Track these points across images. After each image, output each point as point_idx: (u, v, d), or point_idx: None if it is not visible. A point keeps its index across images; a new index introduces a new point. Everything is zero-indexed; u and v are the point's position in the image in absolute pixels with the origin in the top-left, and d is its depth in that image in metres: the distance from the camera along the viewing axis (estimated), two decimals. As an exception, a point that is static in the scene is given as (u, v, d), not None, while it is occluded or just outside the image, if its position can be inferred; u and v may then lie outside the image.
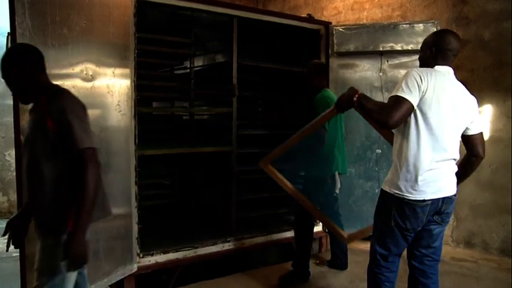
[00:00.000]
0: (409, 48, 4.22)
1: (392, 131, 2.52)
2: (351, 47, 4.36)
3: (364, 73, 4.41)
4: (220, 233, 4.21)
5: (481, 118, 2.58)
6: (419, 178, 2.32)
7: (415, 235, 2.48)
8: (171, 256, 3.69)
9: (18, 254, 4.20)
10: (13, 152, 5.73)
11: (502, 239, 4.41)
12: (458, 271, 4.02)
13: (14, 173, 5.96)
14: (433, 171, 2.35)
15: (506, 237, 4.37)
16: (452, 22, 4.67)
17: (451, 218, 4.66)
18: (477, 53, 4.53)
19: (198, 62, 4.94)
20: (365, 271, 3.54)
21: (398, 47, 4.25)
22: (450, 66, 2.46)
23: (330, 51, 4.47)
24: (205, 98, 5.12)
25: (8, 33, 2.26)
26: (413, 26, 4.24)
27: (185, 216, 4.90)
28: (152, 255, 3.57)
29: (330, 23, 4.61)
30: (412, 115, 2.31)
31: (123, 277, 3.27)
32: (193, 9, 3.78)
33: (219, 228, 4.33)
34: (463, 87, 2.48)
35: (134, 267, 3.37)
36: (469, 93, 2.50)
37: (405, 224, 2.39)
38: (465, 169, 2.61)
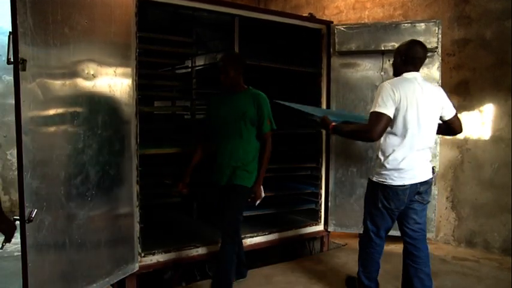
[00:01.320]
0: None
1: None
2: (353, 46, 4.35)
3: (366, 72, 4.41)
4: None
5: (450, 103, 3.07)
6: (399, 167, 2.90)
7: (404, 214, 3.06)
8: (173, 255, 3.69)
9: (19, 254, 4.21)
10: (15, 151, 5.76)
11: (503, 238, 4.40)
12: (459, 270, 4.02)
13: (16, 172, 5.98)
14: (410, 162, 2.91)
15: (507, 236, 4.36)
16: (453, 21, 4.67)
17: (452, 217, 4.69)
18: (479, 52, 4.52)
19: (200, 62, 4.94)
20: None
21: (399, 46, 4.24)
22: (417, 71, 3.00)
23: (331, 50, 4.46)
24: (206, 97, 5.11)
25: (10, 32, 2.26)
26: (414, 25, 4.23)
27: (187, 215, 4.90)
28: (153, 254, 3.57)
29: (332, 22, 4.61)
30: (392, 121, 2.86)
31: (124, 276, 3.28)
32: (194, 8, 3.78)
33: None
34: (429, 84, 3.04)
35: (136, 267, 3.38)
36: (435, 86, 3.12)
37: (390, 205, 2.99)
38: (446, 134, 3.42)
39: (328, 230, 4.61)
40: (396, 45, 4.16)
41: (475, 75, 4.56)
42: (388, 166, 2.93)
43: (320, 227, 4.61)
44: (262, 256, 4.39)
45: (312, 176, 4.74)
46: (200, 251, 3.84)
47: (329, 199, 4.55)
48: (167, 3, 3.61)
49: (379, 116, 2.80)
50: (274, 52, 5.26)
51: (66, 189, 2.68)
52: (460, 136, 4.65)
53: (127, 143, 3.25)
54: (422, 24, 4.22)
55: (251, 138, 3.39)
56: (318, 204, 4.62)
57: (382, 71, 4.33)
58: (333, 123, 3.22)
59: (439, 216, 4.77)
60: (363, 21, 5.47)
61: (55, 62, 2.56)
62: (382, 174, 2.96)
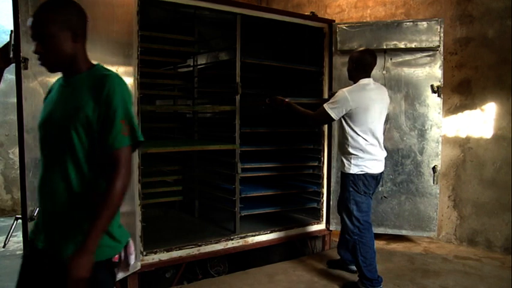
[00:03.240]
0: (413, 46, 4.21)
1: (338, 132, 3.74)
2: (355, 45, 4.34)
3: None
4: (224, 230, 4.22)
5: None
6: (373, 158, 3.46)
7: None
8: (174, 254, 3.69)
9: (21, 252, 4.22)
10: (17, 150, 5.77)
11: (505, 237, 4.39)
12: (461, 269, 4.01)
13: (18, 171, 6.00)
14: (375, 154, 3.48)
15: (509, 235, 4.35)
16: (456, 20, 4.66)
17: (454, 216, 4.69)
18: (481, 51, 4.51)
19: (202, 60, 4.95)
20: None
21: (401, 45, 4.24)
22: (369, 77, 3.52)
23: (333, 49, 4.45)
24: (208, 96, 5.13)
25: (11, 31, 2.25)
26: (416, 24, 4.22)
27: (188, 214, 4.91)
28: (155, 253, 3.57)
29: (334, 20, 4.60)
30: (350, 121, 3.43)
31: (127, 275, 3.28)
32: (196, 7, 3.77)
33: (223, 226, 4.34)
34: (379, 86, 3.64)
35: (138, 265, 3.38)
36: (383, 87, 3.69)
37: (369, 189, 3.49)
38: None
39: (330, 228, 4.61)
40: (398, 44, 4.22)
41: (477, 74, 4.55)
42: (364, 158, 3.46)
43: (322, 226, 4.61)
44: (264, 255, 4.39)
45: (314, 175, 4.74)
46: (202, 249, 3.84)
47: (331, 198, 4.55)
48: (169, 1, 3.61)
49: (324, 113, 3.44)
50: (276, 51, 5.27)
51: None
52: (462, 135, 4.65)
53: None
54: (424, 22, 4.22)
55: (89, 160, 1.70)
56: (320, 203, 4.62)
57: (384, 69, 4.32)
58: (287, 100, 3.74)
59: (440, 215, 4.77)
60: (364, 20, 5.46)
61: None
62: (361, 165, 3.46)
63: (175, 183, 4.89)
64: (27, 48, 2.30)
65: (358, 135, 3.43)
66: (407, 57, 4.30)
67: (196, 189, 4.87)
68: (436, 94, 4.01)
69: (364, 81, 3.50)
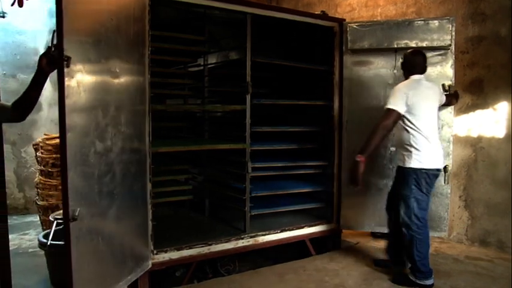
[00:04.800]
0: (424, 45, 4.15)
1: (399, 128, 3.63)
2: (365, 44, 4.33)
3: (378, 70, 4.37)
4: (234, 229, 4.22)
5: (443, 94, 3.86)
6: (434, 154, 3.54)
7: None
8: (185, 253, 3.71)
9: (34, 250, 4.27)
10: (29, 149, 5.83)
11: (518, 237, 4.36)
12: (473, 270, 3.98)
13: (30, 170, 6.05)
14: (436, 149, 3.59)
15: (522, 236, 4.32)
16: (468, 18, 4.62)
17: (465, 216, 4.66)
18: (493, 50, 4.47)
19: (212, 60, 4.95)
20: (377, 268, 3.60)
21: (413, 44, 4.19)
22: (421, 74, 3.67)
23: (344, 48, 4.43)
24: (218, 95, 5.14)
25: (54, 30, 2.25)
26: (428, 23, 4.18)
27: (199, 213, 4.92)
28: (166, 252, 3.59)
29: (344, 20, 4.59)
30: (409, 115, 3.50)
31: (141, 273, 3.30)
32: (207, 6, 3.78)
33: (233, 225, 4.34)
34: (432, 83, 3.78)
35: (149, 264, 3.40)
36: (433, 84, 3.79)
37: (430, 187, 3.56)
38: None
39: (340, 228, 4.60)
40: (409, 42, 4.19)
41: (490, 73, 4.51)
42: (426, 153, 3.53)
43: (332, 226, 4.60)
44: (274, 254, 4.40)
45: (324, 174, 4.72)
46: (212, 248, 3.85)
47: (341, 198, 4.54)
48: (180, 1, 3.62)
49: (389, 111, 3.53)
50: (287, 50, 5.26)
51: (99, 187, 2.69)
52: (473, 134, 4.62)
53: (142, 140, 3.27)
54: (436, 21, 4.18)
55: None
56: (331, 202, 4.61)
57: (394, 69, 4.29)
58: (359, 156, 3.59)
59: (452, 215, 4.73)
60: (375, 19, 5.44)
61: (93, 58, 2.59)
62: (423, 161, 3.51)
63: (186, 183, 4.91)
64: (69, 47, 2.31)
65: (418, 129, 3.50)
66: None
67: (207, 188, 4.88)
68: (448, 93, 3.97)
69: (415, 76, 3.64)
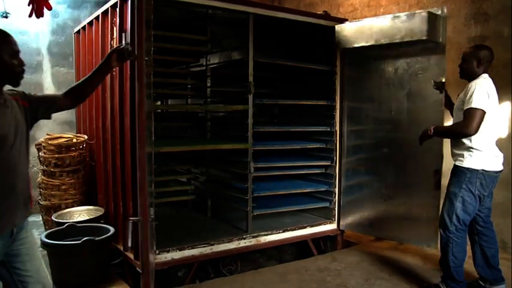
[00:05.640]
0: (414, 40, 3.82)
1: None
2: (362, 43, 4.24)
3: (376, 69, 4.35)
4: (236, 229, 4.22)
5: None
6: (496, 154, 3.31)
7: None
8: (187, 253, 3.71)
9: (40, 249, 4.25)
10: (32, 149, 5.82)
11: (521, 238, 4.34)
12: (474, 270, 3.97)
13: (33, 170, 6.05)
14: (497, 151, 3.33)
15: (525, 236, 4.30)
16: (470, 18, 4.61)
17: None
18: (496, 50, 4.41)
19: (214, 60, 4.96)
20: (379, 268, 3.58)
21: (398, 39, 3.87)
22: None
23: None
24: (221, 95, 5.14)
25: (124, 31, 2.52)
26: (414, 15, 3.80)
27: (201, 213, 4.92)
28: (168, 252, 3.59)
29: (346, 20, 4.58)
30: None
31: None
32: (209, 6, 3.79)
33: (235, 225, 4.34)
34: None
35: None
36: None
37: (485, 190, 3.30)
38: None
39: (342, 228, 4.60)
40: (395, 39, 3.93)
41: (492, 73, 4.43)
42: (486, 153, 3.27)
43: (334, 226, 4.60)
44: (276, 254, 4.40)
45: (326, 174, 4.73)
46: (214, 248, 3.85)
47: (342, 198, 4.53)
48: (183, 1, 3.63)
49: (474, 112, 3.15)
50: (289, 50, 5.25)
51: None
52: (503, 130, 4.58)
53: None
54: (424, 13, 3.76)
55: None
56: (332, 202, 4.61)
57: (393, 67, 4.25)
58: (432, 128, 3.41)
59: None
60: (377, 19, 5.42)
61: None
62: (482, 161, 3.26)
63: (188, 183, 4.91)
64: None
65: (489, 129, 3.24)
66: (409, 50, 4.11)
67: (209, 188, 4.88)
68: (438, 90, 3.81)
69: (486, 75, 3.37)
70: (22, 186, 2.14)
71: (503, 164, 3.39)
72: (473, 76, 3.34)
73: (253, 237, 4.09)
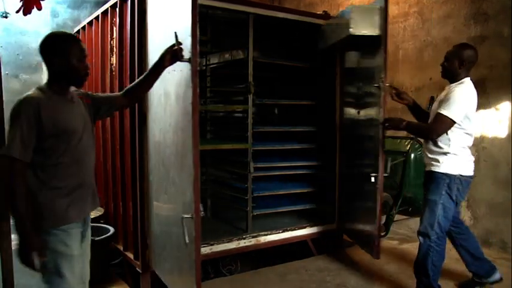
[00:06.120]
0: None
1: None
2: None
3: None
4: (236, 229, 4.22)
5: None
6: (470, 159, 3.26)
7: None
8: (187, 253, 3.71)
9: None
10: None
11: (520, 238, 4.35)
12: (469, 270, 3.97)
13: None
14: (470, 154, 3.29)
15: (525, 236, 4.31)
16: (470, 18, 4.62)
17: (467, 216, 4.65)
18: (496, 50, 4.46)
19: (214, 59, 4.96)
20: (379, 268, 3.58)
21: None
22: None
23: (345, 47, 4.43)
24: (221, 95, 5.14)
25: (175, 32, 2.48)
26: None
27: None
28: (168, 251, 3.59)
29: (346, 19, 4.58)
30: (463, 120, 3.13)
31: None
32: (210, 6, 3.78)
33: (235, 225, 4.34)
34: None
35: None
36: None
37: (462, 196, 3.30)
38: None
39: (341, 228, 4.60)
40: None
41: (492, 73, 4.50)
42: (461, 158, 3.23)
43: (334, 226, 4.59)
44: (276, 254, 4.39)
45: (326, 175, 4.72)
46: (214, 248, 3.85)
47: (342, 198, 4.53)
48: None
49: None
50: (289, 49, 5.25)
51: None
52: (475, 134, 4.60)
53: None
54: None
55: None
56: (332, 202, 4.60)
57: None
58: (405, 122, 3.42)
59: (454, 215, 4.73)
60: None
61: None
62: (458, 166, 3.21)
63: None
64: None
65: (466, 134, 3.20)
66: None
67: (209, 188, 4.88)
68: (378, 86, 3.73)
69: (468, 79, 3.24)
70: (89, 178, 2.31)
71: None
72: (455, 77, 3.25)
73: (253, 237, 4.09)
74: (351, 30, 3.65)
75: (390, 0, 5.26)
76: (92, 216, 4.19)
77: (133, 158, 3.42)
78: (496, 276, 3.52)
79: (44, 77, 5.97)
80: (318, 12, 4.64)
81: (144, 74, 2.56)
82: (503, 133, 4.44)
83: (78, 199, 2.21)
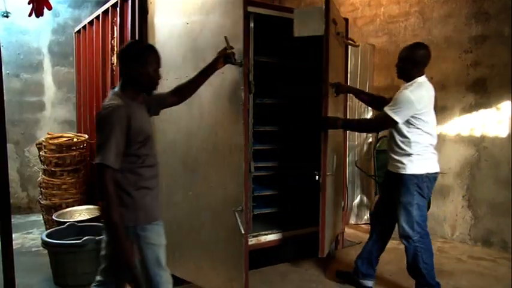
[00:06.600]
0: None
1: (391, 132, 3.26)
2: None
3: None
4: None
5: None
6: (434, 156, 3.24)
7: None
8: (187, 252, 3.70)
9: (37, 249, 4.28)
10: (32, 148, 5.84)
11: (521, 237, 4.34)
12: (476, 270, 3.98)
13: (34, 169, 6.06)
14: (434, 152, 3.28)
15: (525, 236, 4.30)
16: (471, 17, 4.61)
17: (468, 216, 4.64)
18: (497, 49, 4.46)
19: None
20: (379, 268, 3.57)
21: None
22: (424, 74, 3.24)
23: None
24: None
25: (225, 36, 2.62)
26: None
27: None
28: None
29: (347, 19, 4.58)
30: (415, 121, 3.12)
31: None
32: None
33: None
34: (429, 82, 3.28)
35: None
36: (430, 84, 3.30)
37: (430, 192, 3.29)
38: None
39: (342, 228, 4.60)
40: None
41: (493, 72, 4.49)
42: (426, 157, 3.22)
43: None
44: (276, 253, 4.39)
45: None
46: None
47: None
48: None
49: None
50: (290, 49, 5.25)
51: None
52: (477, 134, 4.60)
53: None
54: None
55: None
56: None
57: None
58: (341, 120, 3.48)
59: (454, 214, 4.73)
60: (378, 19, 5.43)
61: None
62: (426, 165, 3.22)
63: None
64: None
65: (425, 133, 3.17)
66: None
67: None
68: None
69: (421, 79, 3.21)
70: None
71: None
72: (409, 77, 3.23)
73: (253, 236, 4.08)
74: (294, 32, 3.77)
75: (390, 0, 5.31)
76: (93, 216, 4.23)
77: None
78: (369, 284, 3.60)
79: (44, 76, 6.00)
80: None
81: (195, 74, 2.66)
82: (504, 133, 4.43)
83: (156, 198, 2.35)
